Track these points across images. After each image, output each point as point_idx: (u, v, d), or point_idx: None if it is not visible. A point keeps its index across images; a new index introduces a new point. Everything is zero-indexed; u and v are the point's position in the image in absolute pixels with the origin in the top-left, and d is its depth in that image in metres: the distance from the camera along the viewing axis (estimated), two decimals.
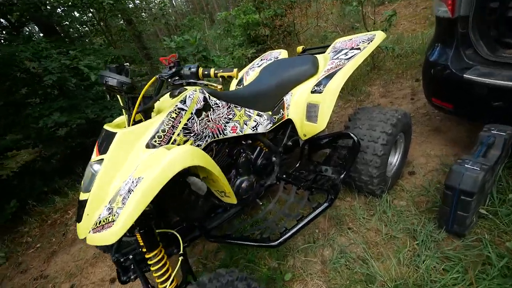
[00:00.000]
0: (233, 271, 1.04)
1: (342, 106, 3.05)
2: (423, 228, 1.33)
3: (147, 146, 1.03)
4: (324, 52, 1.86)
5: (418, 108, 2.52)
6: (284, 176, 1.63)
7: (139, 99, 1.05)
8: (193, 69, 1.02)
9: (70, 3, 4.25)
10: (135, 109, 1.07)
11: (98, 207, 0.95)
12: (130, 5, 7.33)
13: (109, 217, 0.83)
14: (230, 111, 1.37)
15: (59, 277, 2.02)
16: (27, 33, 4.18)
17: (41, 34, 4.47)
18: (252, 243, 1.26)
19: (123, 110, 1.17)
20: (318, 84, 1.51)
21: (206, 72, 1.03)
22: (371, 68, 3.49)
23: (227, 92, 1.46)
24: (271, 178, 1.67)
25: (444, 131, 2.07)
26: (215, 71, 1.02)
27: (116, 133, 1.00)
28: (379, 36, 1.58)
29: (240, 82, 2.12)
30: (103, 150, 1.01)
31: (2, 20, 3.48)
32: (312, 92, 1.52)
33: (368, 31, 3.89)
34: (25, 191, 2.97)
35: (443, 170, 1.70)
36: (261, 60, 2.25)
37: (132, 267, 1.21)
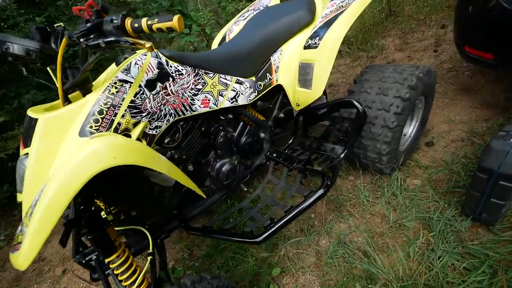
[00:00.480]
0: (204, 277, 0.87)
1: (349, 64, 2.62)
2: (441, 216, 1.09)
3: (81, 134, 0.78)
4: None
5: (442, 62, 2.09)
6: (274, 155, 1.37)
7: (58, 72, 0.77)
8: (116, 21, 0.71)
9: None
10: (59, 85, 0.80)
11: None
12: None
13: (20, 235, 0.63)
14: (198, 79, 1.07)
15: (54, 260, 2.00)
16: None
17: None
18: (233, 238, 1.07)
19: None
20: (313, 36, 1.15)
21: (136, 25, 0.71)
22: (386, 15, 2.92)
23: (194, 54, 1.14)
24: (259, 157, 1.43)
25: (475, 91, 1.69)
26: (149, 22, 0.70)
27: (37, 119, 0.76)
28: None
29: (224, 41, 1.75)
30: (27, 142, 0.77)
31: None
32: (305, 47, 1.17)
33: None
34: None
35: (470, 140, 1.39)
36: (248, 11, 1.82)
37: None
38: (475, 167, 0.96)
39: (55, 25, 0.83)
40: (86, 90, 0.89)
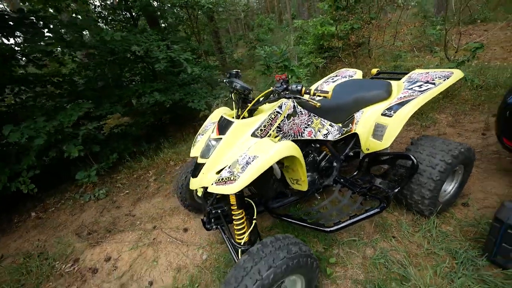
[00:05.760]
0: (288, 236, 1.37)
1: (404, 128, 3.11)
2: (465, 253, 1.48)
3: (252, 135, 1.44)
4: (398, 79, 2.05)
5: (488, 145, 2.48)
6: (342, 180, 1.91)
7: (254, 100, 1.46)
8: (298, 88, 1.38)
9: (174, 2, 5.11)
10: (249, 106, 1.49)
11: (211, 170, 1.40)
12: None
13: (230, 177, 1.25)
14: (309, 118, 1.71)
15: (143, 217, 2.61)
16: (142, 25, 5.16)
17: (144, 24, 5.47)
18: (308, 225, 1.59)
19: (234, 104, 1.60)
20: (389, 109, 1.74)
21: (307, 91, 1.38)
22: (443, 95, 3.42)
23: (309, 103, 1.80)
24: (329, 179, 1.97)
25: None
26: (314, 91, 1.37)
27: (233, 122, 1.44)
28: (456, 75, 1.72)
29: None
30: (222, 132, 1.45)
31: (127, 12, 4.45)
32: (383, 114, 1.76)
33: (448, 58, 3.77)
34: (120, 149, 3.80)
35: None
36: (336, 76, 2.52)
37: (213, 220, 1.65)
38: None
39: (238, 70, 1.56)
40: (252, 111, 1.57)
